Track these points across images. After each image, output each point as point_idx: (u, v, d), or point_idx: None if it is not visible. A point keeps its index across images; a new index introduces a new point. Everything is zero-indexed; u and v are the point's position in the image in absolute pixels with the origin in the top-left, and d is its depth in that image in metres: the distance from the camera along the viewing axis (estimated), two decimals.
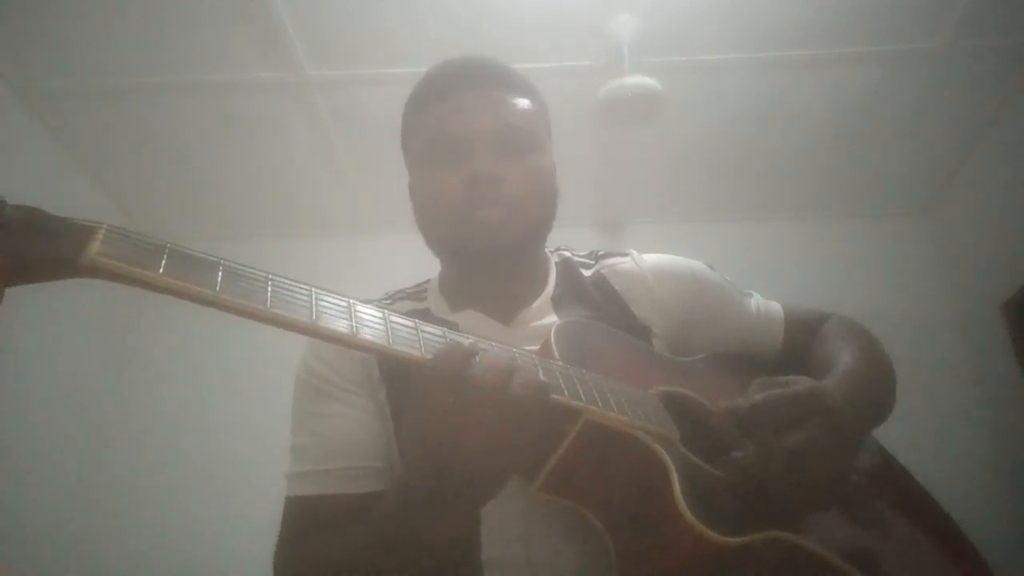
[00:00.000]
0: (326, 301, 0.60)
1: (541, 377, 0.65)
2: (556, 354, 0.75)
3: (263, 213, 3.17)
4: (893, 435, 0.98)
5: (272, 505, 0.89)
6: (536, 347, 0.78)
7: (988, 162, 2.83)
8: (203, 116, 2.63)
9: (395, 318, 0.63)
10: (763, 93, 2.58)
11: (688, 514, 0.67)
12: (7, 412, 2.42)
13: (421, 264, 1.05)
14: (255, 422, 2.60)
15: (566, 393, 0.68)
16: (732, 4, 2.23)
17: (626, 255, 1.02)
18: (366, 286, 1.06)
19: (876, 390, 0.93)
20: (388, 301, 1.00)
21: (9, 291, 0.50)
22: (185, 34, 2.28)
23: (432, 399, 0.61)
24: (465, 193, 0.88)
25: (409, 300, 1.00)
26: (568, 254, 1.04)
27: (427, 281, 1.03)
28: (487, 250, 0.89)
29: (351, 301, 0.62)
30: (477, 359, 0.61)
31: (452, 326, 0.75)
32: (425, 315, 0.95)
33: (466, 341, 0.65)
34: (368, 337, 0.59)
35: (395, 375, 0.87)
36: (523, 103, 0.95)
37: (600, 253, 1.04)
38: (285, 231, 3.21)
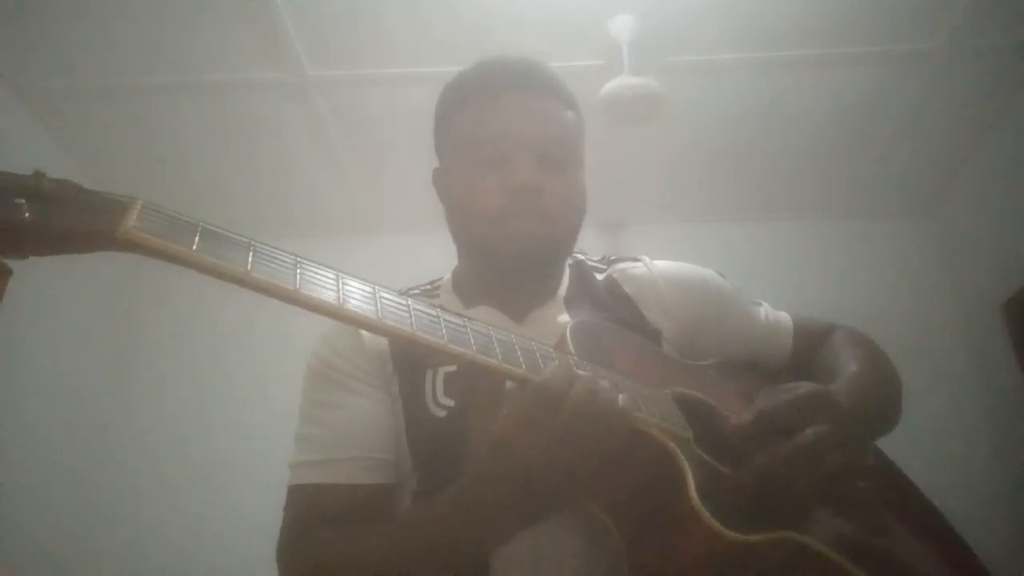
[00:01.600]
0: (352, 286, 0.61)
1: (620, 401, 0.67)
2: (572, 351, 0.76)
3: (263, 213, 3.16)
4: (893, 435, 0.98)
5: (274, 504, 0.89)
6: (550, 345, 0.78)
7: (988, 162, 2.84)
8: (203, 116, 2.63)
9: (418, 306, 0.64)
10: (763, 93, 2.59)
11: (704, 511, 0.67)
12: (8, 411, 2.42)
13: (421, 264, 1.06)
14: (256, 421, 2.60)
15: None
16: (732, 4, 2.23)
17: (638, 260, 1.03)
18: None
19: (881, 398, 0.94)
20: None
21: (10, 291, 0.50)
22: (185, 34, 2.28)
23: (533, 415, 0.64)
24: (505, 202, 0.88)
25: (422, 296, 1.00)
26: (582, 257, 1.05)
27: (440, 279, 1.04)
28: (518, 258, 0.89)
29: (376, 287, 0.63)
30: (574, 379, 0.64)
31: None
32: None
33: (487, 333, 0.67)
34: (392, 323, 0.60)
35: (408, 368, 0.88)
36: (569, 115, 0.96)
37: (612, 258, 1.05)
38: (285, 231, 3.19)
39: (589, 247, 1.09)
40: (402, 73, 2.42)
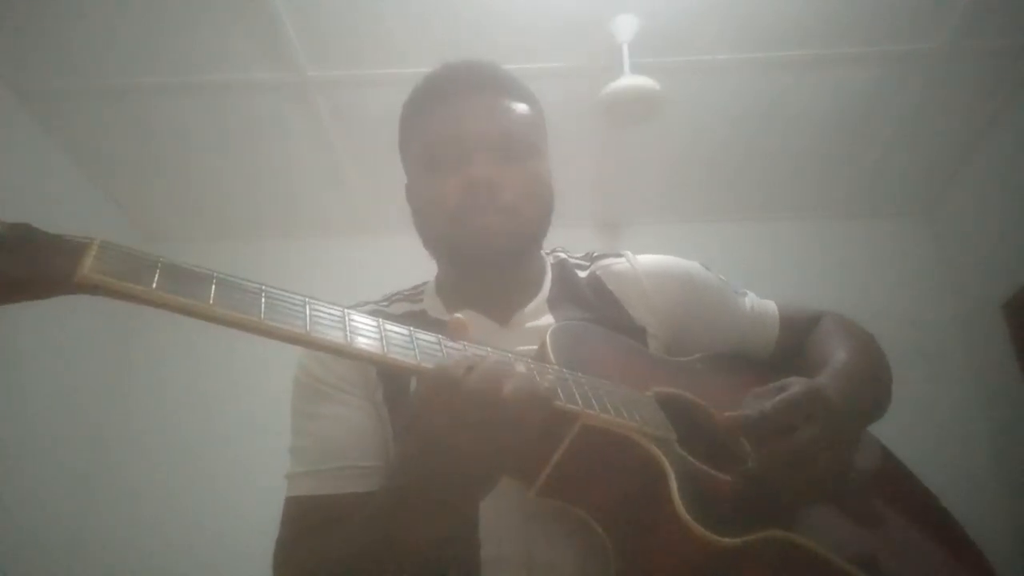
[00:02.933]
0: (320, 311, 0.60)
1: (537, 380, 0.65)
2: (552, 357, 0.75)
3: (263, 213, 3.17)
4: (893, 435, 0.98)
5: (272, 506, 0.89)
6: (532, 348, 0.78)
7: (988, 162, 2.83)
8: (203, 116, 2.63)
9: (389, 326, 0.63)
10: (763, 93, 2.58)
11: (686, 516, 0.67)
12: (10, 415, 2.42)
13: (420, 265, 1.05)
14: (256, 423, 2.60)
15: (562, 397, 0.68)
16: (732, 4, 2.23)
17: (621, 256, 1.02)
18: (365, 286, 1.07)
19: (871, 386, 0.94)
20: (384, 303, 1.01)
21: None
22: (185, 34, 2.28)
23: (428, 404, 0.62)
24: (462, 199, 0.89)
25: (406, 302, 1.00)
26: (564, 255, 1.05)
27: (424, 283, 1.04)
28: (484, 254, 0.89)
29: (345, 310, 0.62)
30: (473, 366, 0.62)
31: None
32: (421, 316, 0.95)
33: (461, 349, 0.65)
34: (363, 346, 0.60)
35: (392, 376, 0.88)
36: (521, 108, 0.96)
37: (595, 254, 1.04)
38: (285, 231, 3.21)
39: (587, 247, 1.09)
40: (402, 73, 2.40)
